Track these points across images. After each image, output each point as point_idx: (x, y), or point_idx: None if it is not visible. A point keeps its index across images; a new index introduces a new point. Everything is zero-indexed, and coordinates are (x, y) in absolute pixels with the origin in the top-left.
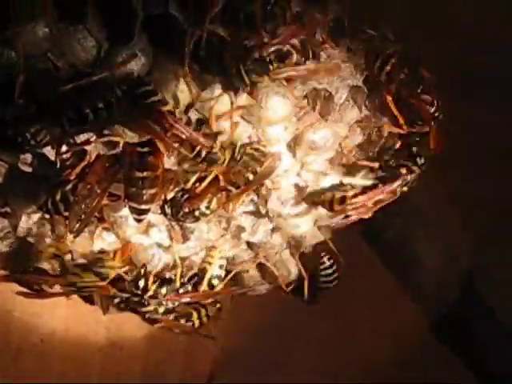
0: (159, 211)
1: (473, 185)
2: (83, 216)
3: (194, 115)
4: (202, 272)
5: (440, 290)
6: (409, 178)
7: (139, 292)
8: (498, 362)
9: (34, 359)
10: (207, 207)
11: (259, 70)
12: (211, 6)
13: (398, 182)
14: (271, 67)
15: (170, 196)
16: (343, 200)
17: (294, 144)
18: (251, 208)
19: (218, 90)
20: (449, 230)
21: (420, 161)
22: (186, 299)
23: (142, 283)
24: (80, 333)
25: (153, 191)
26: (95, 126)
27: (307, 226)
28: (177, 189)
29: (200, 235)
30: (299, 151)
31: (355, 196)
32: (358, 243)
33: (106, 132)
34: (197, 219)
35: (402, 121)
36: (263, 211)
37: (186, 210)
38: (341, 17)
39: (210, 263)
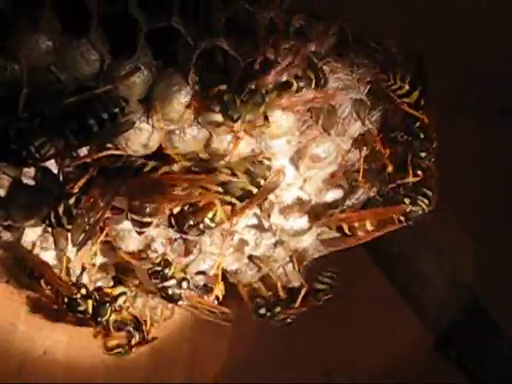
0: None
1: (479, 200)
2: (86, 229)
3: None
4: None
5: (444, 306)
6: (410, 208)
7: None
8: (502, 378)
9: (37, 371)
10: (212, 220)
11: (255, 101)
12: (215, 19)
13: (397, 208)
14: (267, 99)
15: (176, 210)
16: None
17: (297, 157)
18: (254, 221)
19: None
20: (454, 246)
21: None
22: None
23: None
24: (83, 344)
25: (155, 204)
26: (99, 138)
27: (310, 239)
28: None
29: (203, 249)
30: (302, 165)
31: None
32: (362, 256)
33: (108, 145)
34: (202, 232)
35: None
36: (266, 225)
37: (191, 222)
38: (344, 30)
39: None
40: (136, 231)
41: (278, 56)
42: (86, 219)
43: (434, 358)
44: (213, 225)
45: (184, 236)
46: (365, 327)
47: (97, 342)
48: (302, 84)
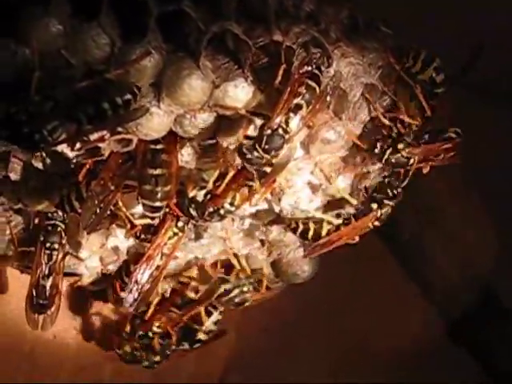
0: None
1: (495, 184)
2: (97, 212)
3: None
4: None
5: (457, 293)
6: (380, 212)
7: None
8: None
9: (47, 355)
10: (231, 204)
11: (277, 147)
12: (225, 3)
13: (369, 218)
14: (287, 136)
15: (191, 195)
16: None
17: (307, 141)
18: (265, 206)
19: (230, 87)
20: (466, 233)
21: (394, 192)
22: None
23: None
24: (93, 329)
25: (166, 189)
26: (112, 123)
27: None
28: (197, 188)
29: (213, 233)
30: (313, 149)
31: (328, 233)
32: (372, 240)
33: (119, 129)
34: (223, 217)
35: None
36: (277, 209)
37: (211, 209)
38: (355, 14)
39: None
40: (147, 216)
41: (286, 41)
42: (97, 202)
43: (447, 344)
44: (233, 209)
45: (206, 223)
46: (378, 314)
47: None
48: (307, 97)
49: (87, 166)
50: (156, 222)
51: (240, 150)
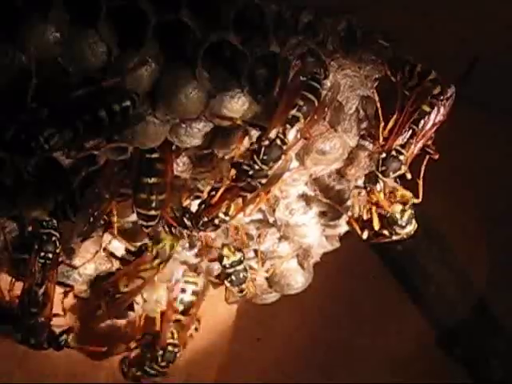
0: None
1: (488, 201)
2: (91, 220)
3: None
4: None
5: (449, 304)
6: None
7: None
8: (507, 377)
9: (40, 363)
10: (226, 214)
11: (275, 158)
12: (223, 13)
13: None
14: (285, 147)
15: (185, 204)
16: None
17: (303, 153)
18: (259, 216)
19: (226, 97)
20: (460, 244)
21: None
22: None
23: None
24: (90, 332)
25: (161, 197)
26: (108, 131)
27: (315, 235)
28: (191, 197)
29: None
30: (308, 160)
31: None
32: (366, 251)
33: (115, 138)
34: (217, 227)
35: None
36: (271, 220)
37: (205, 219)
38: (353, 26)
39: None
40: (142, 225)
41: (284, 52)
42: (91, 210)
43: (439, 355)
44: (227, 218)
45: (200, 233)
46: (372, 325)
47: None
48: (305, 109)
49: (82, 174)
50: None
51: (240, 168)
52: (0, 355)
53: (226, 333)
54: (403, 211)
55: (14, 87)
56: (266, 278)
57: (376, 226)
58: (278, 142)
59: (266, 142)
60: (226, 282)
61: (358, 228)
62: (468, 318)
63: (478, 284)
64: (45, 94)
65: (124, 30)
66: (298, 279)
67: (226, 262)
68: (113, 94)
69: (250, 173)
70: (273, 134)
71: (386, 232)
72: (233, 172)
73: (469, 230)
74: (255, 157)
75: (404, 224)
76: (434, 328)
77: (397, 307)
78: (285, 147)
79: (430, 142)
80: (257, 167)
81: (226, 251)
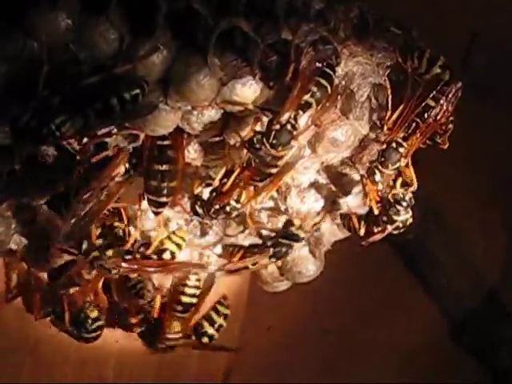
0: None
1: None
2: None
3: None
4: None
5: (459, 294)
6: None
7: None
8: None
9: (50, 351)
10: (237, 201)
11: (284, 142)
12: (234, 0)
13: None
14: (295, 132)
15: (196, 191)
16: None
17: (314, 141)
18: (271, 204)
19: (238, 85)
20: (470, 233)
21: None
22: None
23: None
24: None
25: (172, 184)
26: (119, 119)
27: (326, 223)
28: (203, 185)
29: (218, 230)
30: (320, 148)
31: None
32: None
33: (127, 125)
34: (229, 214)
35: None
36: (282, 208)
37: (217, 206)
38: (364, 14)
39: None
40: (152, 211)
41: (295, 39)
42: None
43: (448, 345)
44: (239, 206)
45: (212, 221)
46: (381, 314)
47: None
48: (318, 95)
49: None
50: None
51: (250, 142)
52: (11, 344)
53: (237, 320)
54: (405, 193)
55: (26, 75)
56: (278, 266)
57: (376, 210)
58: (289, 126)
59: (277, 126)
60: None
61: (356, 222)
62: (476, 306)
63: (487, 272)
64: (56, 81)
65: (135, 16)
66: (309, 267)
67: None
68: (123, 81)
69: (258, 151)
70: (284, 119)
71: (384, 218)
72: (244, 159)
73: (478, 218)
74: (264, 140)
75: (405, 205)
76: (444, 317)
77: (406, 296)
78: (295, 133)
79: (441, 131)
80: (264, 149)
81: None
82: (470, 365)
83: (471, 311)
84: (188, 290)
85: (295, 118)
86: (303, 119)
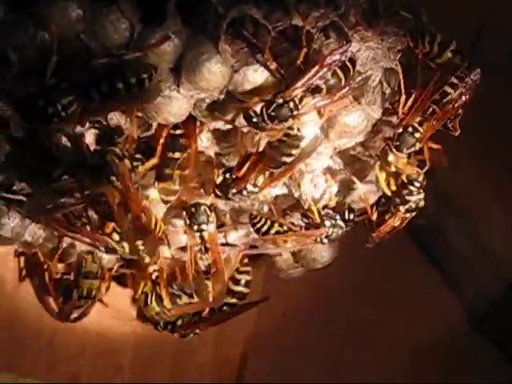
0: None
1: None
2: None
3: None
4: None
5: (480, 283)
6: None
7: None
8: None
9: (66, 342)
10: (255, 185)
11: (282, 117)
12: None
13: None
14: (295, 112)
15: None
16: None
17: (327, 126)
18: (284, 191)
19: (249, 71)
20: (490, 219)
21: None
22: None
23: None
24: (113, 314)
25: (185, 172)
26: (126, 102)
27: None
28: (221, 171)
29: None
30: (332, 133)
31: None
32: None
33: (139, 114)
34: (246, 197)
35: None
36: (296, 194)
37: (234, 190)
38: None
39: None
40: (162, 200)
41: (306, 25)
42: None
43: (470, 335)
44: (256, 190)
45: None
46: (397, 303)
47: (126, 311)
48: (331, 83)
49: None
50: None
51: (247, 114)
52: (28, 333)
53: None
54: (419, 173)
55: (36, 64)
56: (292, 253)
57: (387, 191)
58: (291, 104)
59: (280, 101)
60: None
61: (369, 208)
62: (499, 296)
63: (507, 259)
64: (66, 70)
65: (146, 5)
66: (323, 254)
67: None
68: (131, 67)
69: (254, 120)
70: (289, 96)
71: (397, 200)
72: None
73: (495, 203)
74: (264, 109)
75: (418, 185)
76: (465, 307)
77: (421, 283)
78: (295, 112)
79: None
80: (260, 118)
81: None
82: (488, 355)
83: (492, 300)
84: None
85: (301, 99)
86: (308, 102)
